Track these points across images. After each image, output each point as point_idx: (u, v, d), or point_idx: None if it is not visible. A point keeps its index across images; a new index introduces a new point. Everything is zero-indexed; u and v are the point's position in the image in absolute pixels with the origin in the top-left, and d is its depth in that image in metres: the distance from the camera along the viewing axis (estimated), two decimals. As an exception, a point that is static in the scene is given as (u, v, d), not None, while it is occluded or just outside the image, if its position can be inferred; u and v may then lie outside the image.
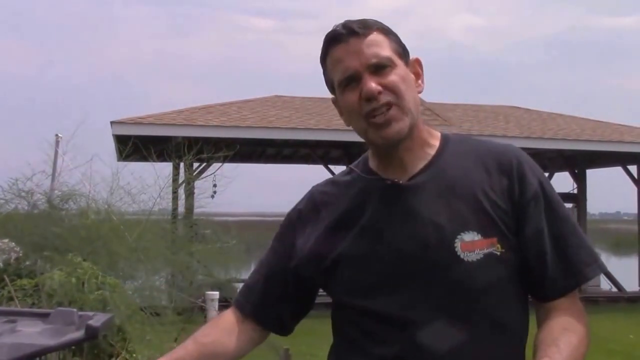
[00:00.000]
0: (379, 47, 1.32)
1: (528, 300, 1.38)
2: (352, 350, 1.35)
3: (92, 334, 1.02)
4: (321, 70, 1.39)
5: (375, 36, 1.33)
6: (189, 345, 1.38)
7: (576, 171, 14.53)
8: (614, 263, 19.51)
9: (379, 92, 1.29)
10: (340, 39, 1.32)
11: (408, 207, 1.33)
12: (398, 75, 1.32)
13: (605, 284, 14.41)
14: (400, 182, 1.35)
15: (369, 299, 1.31)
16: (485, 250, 1.28)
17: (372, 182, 1.38)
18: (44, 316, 1.11)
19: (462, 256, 1.28)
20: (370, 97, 1.29)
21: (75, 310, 1.12)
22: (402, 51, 1.36)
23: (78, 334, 1.02)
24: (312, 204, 1.43)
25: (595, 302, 12.59)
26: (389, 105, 1.30)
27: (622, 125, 14.74)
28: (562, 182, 15.22)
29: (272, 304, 1.44)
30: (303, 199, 1.47)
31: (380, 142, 1.33)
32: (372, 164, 1.40)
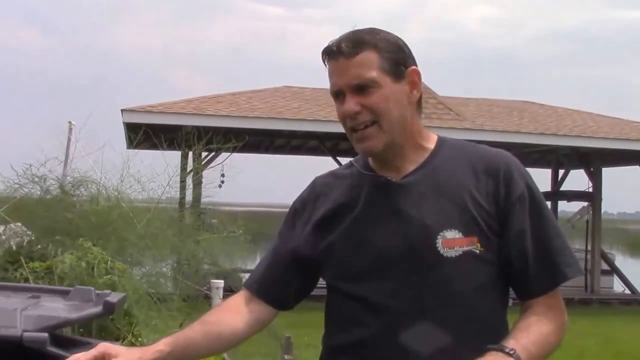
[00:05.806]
0: (365, 68, 1.41)
1: (508, 301, 1.50)
2: (338, 328, 1.50)
3: (109, 309, 1.13)
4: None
5: (363, 56, 1.42)
6: (195, 326, 1.50)
7: (592, 169, 14.01)
8: (629, 265, 19.08)
9: (357, 112, 1.42)
10: (332, 55, 1.44)
11: (397, 203, 1.46)
12: (381, 95, 1.42)
13: (618, 286, 14.16)
14: (393, 180, 1.48)
15: (354, 284, 1.46)
16: (465, 248, 1.40)
17: (368, 178, 1.51)
18: (64, 293, 1.22)
19: (442, 252, 1.40)
20: (349, 117, 1.43)
21: (92, 288, 1.23)
22: (394, 67, 1.44)
23: (97, 309, 1.13)
24: (314, 193, 1.58)
25: (608, 304, 12.49)
26: (367, 123, 1.42)
27: (641, 122, 14.36)
28: (577, 180, 14.78)
29: (276, 282, 1.57)
30: (307, 188, 1.62)
31: (359, 152, 1.50)
32: (371, 160, 1.54)
